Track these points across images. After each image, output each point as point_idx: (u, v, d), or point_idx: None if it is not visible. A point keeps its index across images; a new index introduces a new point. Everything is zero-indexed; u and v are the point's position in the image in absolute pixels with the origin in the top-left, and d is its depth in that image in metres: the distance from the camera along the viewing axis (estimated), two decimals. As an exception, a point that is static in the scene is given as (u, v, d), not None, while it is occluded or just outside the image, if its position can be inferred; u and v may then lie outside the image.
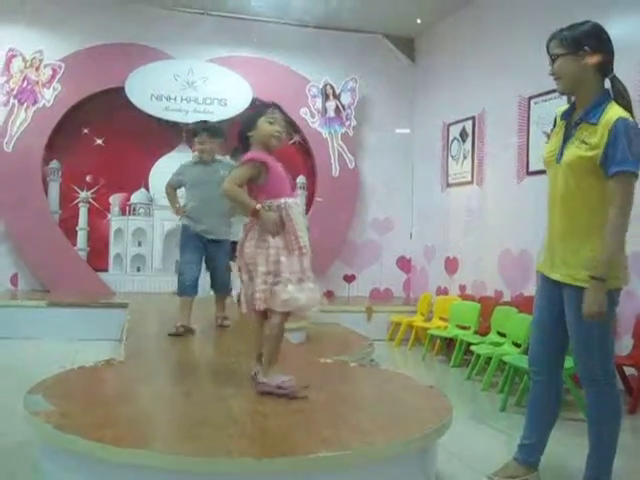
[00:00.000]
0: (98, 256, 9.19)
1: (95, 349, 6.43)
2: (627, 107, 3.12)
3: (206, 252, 5.43)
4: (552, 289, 3.20)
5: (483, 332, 6.66)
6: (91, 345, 6.81)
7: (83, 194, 9.25)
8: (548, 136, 3.49)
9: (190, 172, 5.49)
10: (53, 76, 8.75)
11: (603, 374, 3.22)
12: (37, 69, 8.71)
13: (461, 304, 7.41)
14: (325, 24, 9.31)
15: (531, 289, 6.96)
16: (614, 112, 3.05)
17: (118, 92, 8.91)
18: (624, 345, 5.67)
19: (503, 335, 6.20)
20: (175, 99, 9.16)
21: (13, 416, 3.29)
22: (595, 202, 3.04)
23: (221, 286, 5.64)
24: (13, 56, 8.67)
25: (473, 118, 8.42)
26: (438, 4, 8.72)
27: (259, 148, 3.44)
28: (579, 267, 3.03)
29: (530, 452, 3.45)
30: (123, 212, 9.29)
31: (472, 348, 6.15)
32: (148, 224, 9.25)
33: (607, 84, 3.30)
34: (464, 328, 6.91)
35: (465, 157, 8.62)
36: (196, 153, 5.65)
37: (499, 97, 7.84)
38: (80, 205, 9.24)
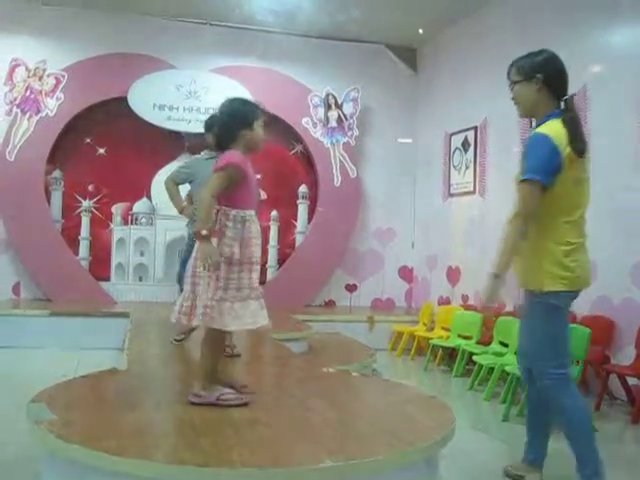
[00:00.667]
0: (100, 265, 9.20)
1: (97, 358, 6.41)
2: (571, 123, 3.31)
3: None
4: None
5: (485, 342, 6.65)
6: (93, 354, 6.80)
7: (85, 203, 9.26)
8: None
9: (202, 167, 4.85)
10: (56, 86, 8.78)
11: (548, 370, 3.34)
12: (40, 79, 8.74)
13: (463, 314, 7.40)
14: (328, 34, 9.34)
15: (533, 299, 6.96)
16: (542, 128, 3.29)
17: (121, 102, 8.94)
18: (627, 355, 5.65)
19: (505, 345, 6.19)
20: (177, 109, 9.18)
21: (15, 425, 3.29)
22: (540, 214, 3.35)
23: None
24: (16, 65, 8.70)
25: (475, 128, 8.43)
26: (440, 15, 8.75)
27: (241, 150, 3.29)
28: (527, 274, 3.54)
29: (527, 450, 3.58)
30: (125, 221, 9.30)
31: (474, 358, 6.13)
32: (150, 234, 9.25)
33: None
34: (466, 338, 6.90)
35: (467, 167, 8.63)
36: (206, 151, 5.31)
37: (501, 107, 7.82)
38: (82, 214, 9.25)
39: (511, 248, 3.40)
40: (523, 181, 3.36)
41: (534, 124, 3.52)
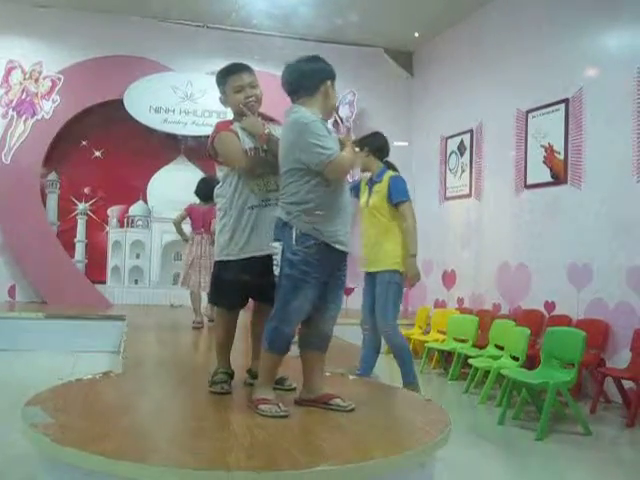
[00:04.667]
0: (96, 268, 9.20)
1: (93, 361, 6.42)
2: (395, 169, 5.38)
3: None
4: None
5: (481, 345, 6.65)
6: (89, 357, 6.80)
7: (81, 206, 9.27)
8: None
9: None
10: (52, 88, 8.78)
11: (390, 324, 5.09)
12: (36, 81, 8.74)
13: (459, 317, 7.40)
14: (324, 37, 9.35)
15: (530, 302, 6.98)
16: (389, 174, 5.22)
17: (117, 104, 8.94)
18: (622, 359, 5.67)
19: (501, 348, 6.19)
20: (174, 112, 9.19)
21: (10, 428, 3.28)
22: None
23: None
24: (12, 68, 8.71)
25: (471, 131, 8.45)
26: (436, 18, 8.78)
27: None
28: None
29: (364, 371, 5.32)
30: (121, 224, 9.30)
31: (470, 361, 6.14)
32: (146, 236, 9.26)
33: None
34: (462, 341, 6.90)
35: (463, 170, 8.64)
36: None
37: (497, 110, 7.88)
38: (78, 217, 9.26)
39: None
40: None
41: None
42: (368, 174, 5.33)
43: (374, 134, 5.46)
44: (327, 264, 3.11)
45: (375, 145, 5.29)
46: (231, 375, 3.50)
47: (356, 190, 5.40)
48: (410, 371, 5.09)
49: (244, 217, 3.33)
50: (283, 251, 3.09)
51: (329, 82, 3.24)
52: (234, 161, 3.33)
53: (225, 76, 3.46)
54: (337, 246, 3.11)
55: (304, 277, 3.03)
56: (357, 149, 4.65)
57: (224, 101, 3.50)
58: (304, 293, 3.05)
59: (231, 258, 3.34)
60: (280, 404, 3.08)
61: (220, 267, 3.41)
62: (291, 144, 3.09)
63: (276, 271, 3.14)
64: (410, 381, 5.01)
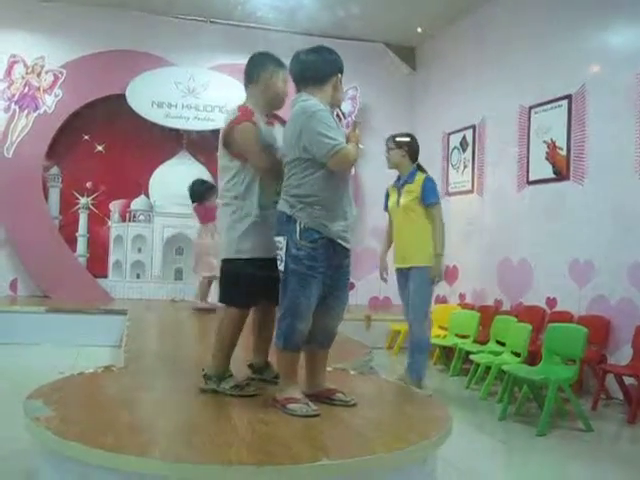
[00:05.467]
0: (98, 262, 9.19)
1: (94, 355, 6.43)
2: (425, 171, 5.60)
3: None
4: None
5: (482, 341, 6.66)
6: (90, 351, 6.81)
7: (83, 200, 9.26)
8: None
9: None
10: (54, 82, 8.77)
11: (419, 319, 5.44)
12: (38, 75, 8.73)
13: (460, 313, 7.40)
14: (326, 32, 9.32)
15: (531, 298, 6.97)
16: (421, 176, 5.52)
17: (119, 99, 8.93)
18: (623, 355, 5.67)
19: (502, 344, 6.20)
20: (176, 106, 9.17)
21: (12, 422, 3.28)
22: None
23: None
24: (15, 62, 8.69)
25: (473, 127, 8.44)
26: (439, 14, 8.76)
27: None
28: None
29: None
30: (123, 219, 9.30)
31: (471, 357, 6.14)
32: (148, 231, 9.25)
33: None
34: (463, 337, 6.90)
35: (465, 166, 8.63)
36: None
37: (499, 106, 7.86)
38: (80, 211, 9.25)
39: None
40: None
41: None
42: (392, 181, 5.79)
43: (411, 136, 5.75)
44: (332, 259, 3.10)
45: (413, 147, 5.61)
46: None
47: (385, 202, 5.82)
48: (419, 368, 5.36)
49: (259, 216, 3.26)
50: (287, 246, 3.04)
51: (340, 75, 3.22)
52: (255, 157, 3.23)
53: (277, 66, 3.43)
54: (340, 242, 3.10)
55: (311, 272, 3.02)
56: (393, 147, 5.54)
57: (257, 84, 3.42)
58: (311, 288, 3.03)
59: (242, 256, 3.27)
60: (309, 403, 3.07)
61: (234, 265, 3.33)
62: (298, 132, 3.04)
63: (280, 266, 3.09)
64: (413, 378, 5.25)
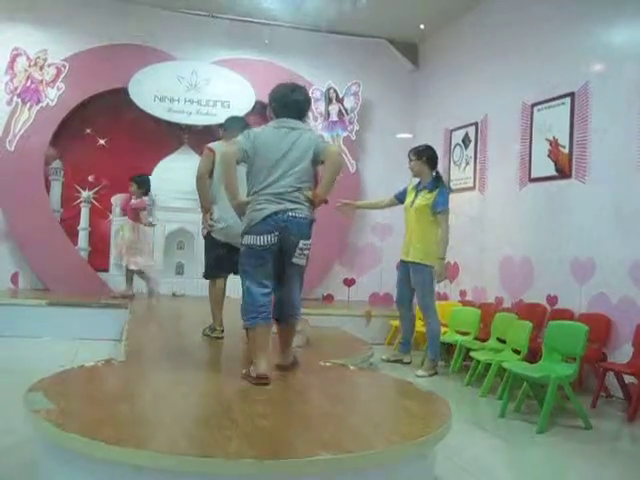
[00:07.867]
0: (99, 256, 9.20)
1: (95, 348, 6.44)
2: (443, 182, 6.54)
3: None
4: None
5: (483, 338, 6.65)
6: (91, 344, 6.82)
7: (85, 194, 9.27)
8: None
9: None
10: (57, 76, 8.76)
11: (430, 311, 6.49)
12: (41, 68, 8.73)
13: (461, 310, 7.40)
14: (330, 28, 9.32)
15: (532, 296, 6.97)
16: (438, 189, 6.39)
17: (122, 93, 8.94)
18: (624, 353, 5.67)
19: (503, 341, 6.19)
20: (178, 101, 9.17)
21: (13, 414, 3.29)
22: None
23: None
24: (17, 55, 8.69)
25: (476, 124, 8.43)
26: (441, 10, 8.74)
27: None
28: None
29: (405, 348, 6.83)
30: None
31: (472, 354, 6.14)
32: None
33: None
34: (464, 334, 6.90)
35: (467, 163, 8.63)
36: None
37: (502, 103, 7.85)
38: (82, 205, 9.26)
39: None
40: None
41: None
42: (416, 180, 6.60)
43: (429, 147, 6.64)
44: None
45: (432, 157, 6.54)
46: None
47: (402, 196, 6.74)
48: (436, 350, 6.48)
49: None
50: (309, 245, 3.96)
51: None
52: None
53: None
54: None
55: None
56: (414, 158, 6.51)
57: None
58: None
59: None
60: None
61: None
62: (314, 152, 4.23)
63: (303, 261, 3.88)
64: (432, 358, 6.43)
